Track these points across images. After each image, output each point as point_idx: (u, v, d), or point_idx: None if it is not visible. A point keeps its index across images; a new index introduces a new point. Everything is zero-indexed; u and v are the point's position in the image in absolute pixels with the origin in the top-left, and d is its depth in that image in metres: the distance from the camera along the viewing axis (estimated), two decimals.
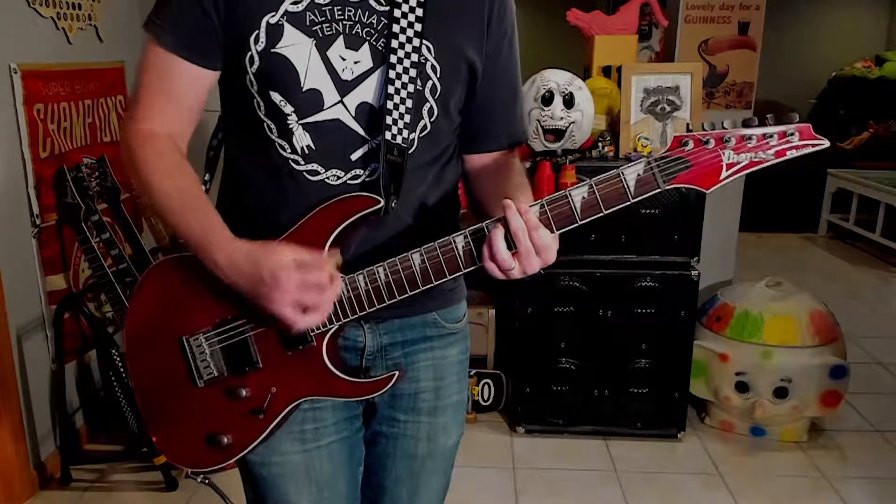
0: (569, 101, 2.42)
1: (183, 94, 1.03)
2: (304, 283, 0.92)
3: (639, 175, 0.90)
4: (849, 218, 5.52)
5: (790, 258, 5.29)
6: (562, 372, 2.66)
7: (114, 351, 2.42)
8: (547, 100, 2.42)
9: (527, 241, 0.89)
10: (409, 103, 1.00)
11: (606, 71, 2.76)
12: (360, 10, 0.99)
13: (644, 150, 2.51)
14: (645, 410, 2.69)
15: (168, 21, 1.00)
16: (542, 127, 2.44)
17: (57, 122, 2.45)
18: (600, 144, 2.55)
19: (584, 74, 2.81)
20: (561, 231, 0.93)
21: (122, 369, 2.40)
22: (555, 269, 2.56)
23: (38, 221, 2.39)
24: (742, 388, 2.65)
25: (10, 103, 2.25)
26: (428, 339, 1.16)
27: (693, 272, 2.55)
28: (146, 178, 1.01)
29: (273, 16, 0.97)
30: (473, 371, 2.88)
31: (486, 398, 2.89)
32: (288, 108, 1.00)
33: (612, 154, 2.54)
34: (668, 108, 2.53)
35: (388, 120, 1.00)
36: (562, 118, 2.42)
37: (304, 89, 0.99)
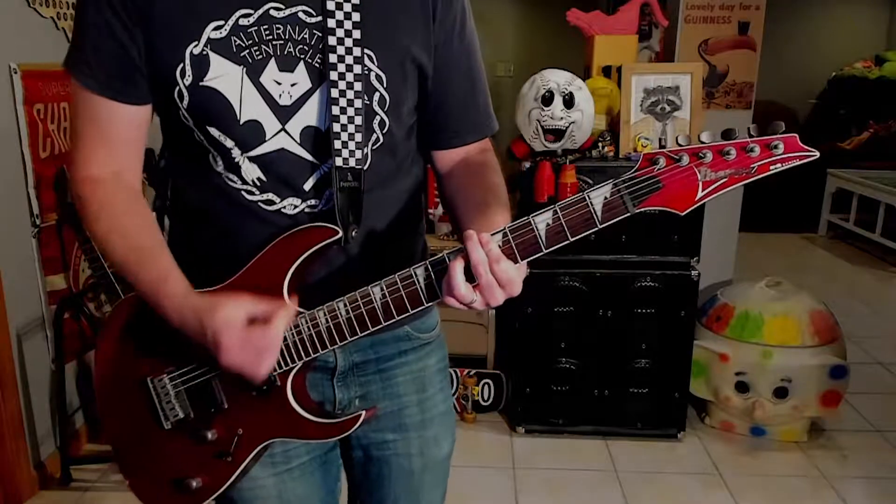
0: (569, 101, 2.42)
1: (119, 133, 0.97)
2: (248, 343, 0.88)
3: (606, 199, 0.84)
4: (849, 218, 5.52)
5: (790, 258, 5.29)
6: (562, 372, 2.66)
7: None
8: (547, 100, 2.42)
9: (488, 276, 0.83)
10: (357, 121, 0.93)
11: (606, 71, 2.76)
12: (289, 27, 0.91)
13: (644, 150, 2.51)
14: (645, 410, 2.69)
15: (83, 58, 0.92)
16: (542, 127, 2.44)
17: (57, 122, 2.45)
18: (600, 144, 2.55)
19: (584, 74, 2.81)
20: (527, 259, 0.87)
21: None
22: (555, 269, 2.56)
23: (38, 221, 2.39)
24: (742, 388, 2.65)
25: (10, 103, 2.26)
26: (403, 353, 1.11)
27: (693, 272, 2.55)
28: (93, 228, 0.97)
29: (196, 45, 0.89)
30: (473, 371, 2.88)
31: (486, 398, 2.89)
32: (229, 143, 0.94)
33: (612, 154, 2.54)
34: (668, 108, 2.53)
35: (337, 144, 0.93)
36: (562, 118, 2.42)
37: (241, 122, 0.92)
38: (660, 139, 2.53)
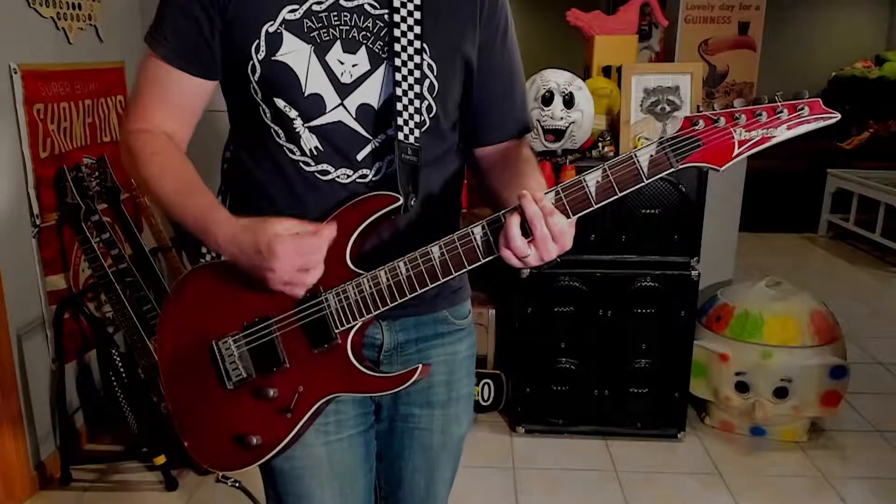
0: (569, 101, 2.42)
1: (178, 101, 1.07)
2: (299, 249, 0.95)
3: (651, 156, 0.91)
4: (849, 218, 5.52)
5: (790, 258, 5.29)
6: (562, 372, 2.66)
7: (114, 351, 2.43)
8: (547, 100, 2.42)
9: (543, 228, 0.90)
10: (416, 103, 1.04)
11: (606, 71, 2.76)
12: (355, 15, 1.02)
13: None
14: (645, 410, 2.69)
15: (163, 33, 1.04)
16: (542, 127, 2.44)
17: (57, 122, 2.45)
18: (600, 144, 2.55)
19: (584, 74, 2.81)
20: (577, 216, 0.94)
21: (121, 369, 2.40)
22: (555, 269, 2.56)
23: (38, 221, 2.39)
24: (742, 388, 2.65)
25: (10, 103, 2.25)
26: (440, 335, 1.19)
27: (693, 272, 2.55)
28: (144, 170, 1.04)
29: (272, 24, 1.00)
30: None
31: (486, 398, 2.89)
32: (293, 113, 1.04)
33: (612, 154, 2.54)
34: (668, 108, 2.53)
35: (399, 120, 1.03)
36: (562, 118, 2.42)
37: (305, 94, 1.02)
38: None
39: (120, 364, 2.40)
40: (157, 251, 2.82)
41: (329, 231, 0.97)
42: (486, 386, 2.89)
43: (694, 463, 2.60)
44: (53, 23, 2.46)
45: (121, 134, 1.08)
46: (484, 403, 2.89)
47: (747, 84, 3.08)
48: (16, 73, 2.25)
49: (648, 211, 2.49)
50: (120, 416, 2.43)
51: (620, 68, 2.58)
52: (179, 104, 1.08)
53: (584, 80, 2.56)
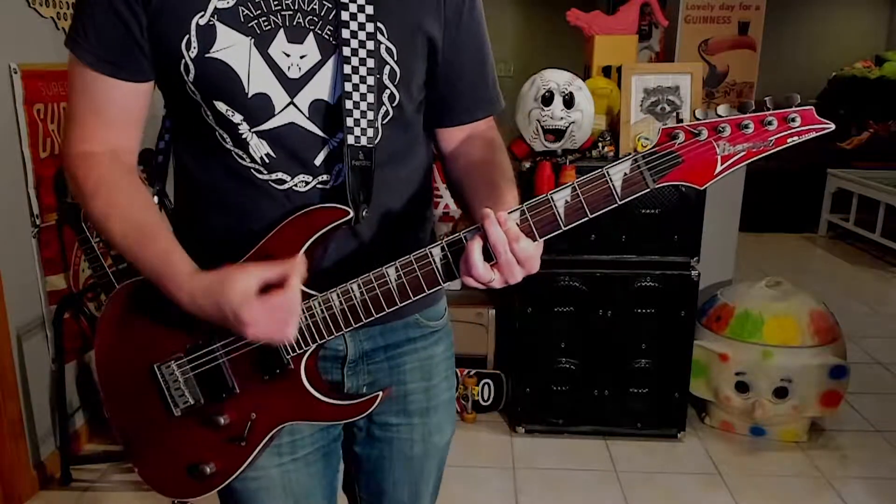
0: (569, 101, 2.42)
1: (115, 111, 0.95)
2: (270, 311, 0.87)
3: (625, 174, 0.83)
4: (849, 218, 5.52)
5: (790, 258, 5.29)
6: (562, 372, 2.66)
7: None
8: (547, 100, 2.42)
9: (507, 255, 0.83)
10: (370, 97, 0.92)
11: (606, 71, 2.76)
12: None
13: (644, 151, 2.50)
14: (645, 410, 2.69)
15: (86, 36, 0.91)
16: (542, 127, 2.44)
17: (57, 122, 2.45)
18: (600, 144, 2.55)
19: (584, 74, 2.81)
20: (545, 238, 0.86)
21: None
22: (555, 269, 2.56)
23: (38, 221, 2.39)
24: (742, 388, 2.65)
25: (10, 103, 2.25)
26: (411, 339, 1.11)
27: (693, 272, 2.55)
28: (89, 206, 0.94)
29: (202, 16, 0.87)
30: (473, 371, 2.88)
31: (486, 398, 2.89)
32: (237, 118, 0.92)
33: (612, 154, 2.54)
34: (668, 108, 2.53)
35: (349, 121, 0.92)
36: (562, 118, 2.42)
37: (249, 95, 0.90)
38: None
39: None
40: None
41: (297, 279, 0.88)
42: (486, 386, 2.88)
43: (694, 463, 2.60)
44: (53, 23, 2.46)
45: (62, 157, 0.97)
46: (484, 403, 2.89)
47: (747, 84, 3.09)
48: (16, 73, 2.25)
49: (648, 211, 2.49)
50: None
51: (620, 68, 2.58)
52: (117, 114, 0.95)
53: (584, 80, 2.56)
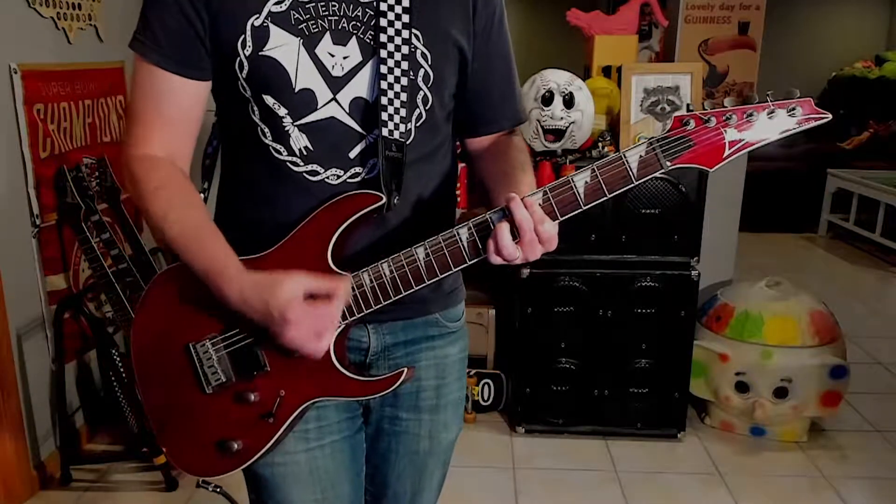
0: (569, 101, 2.42)
1: (177, 110, 1.02)
2: (313, 318, 0.92)
3: (641, 157, 0.90)
4: (849, 218, 5.52)
5: (790, 258, 5.28)
6: (562, 372, 2.66)
7: (114, 351, 2.42)
8: (547, 100, 2.42)
9: (531, 234, 0.90)
10: (403, 97, 1.00)
11: (606, 71, 2.76)
12: (344, 4, 0.98)
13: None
14: (645, 410, 2.69)
15: (152, 36, 0.98)
16: (542, 127, 2.44)
17: (57, 122, 2.45)
18: (600, 144, 2.55)
19: (584, 74, 2.81)
20: (565, 218, 0.93)
21: (121, 369, 2.40)
22: (555, 269, 2.56)
23: (38, 221, 2.39)
24: (742, 388, 2.65)
25: (10, 103, 2.25)
26: (430, 338, 1.16)
27: (693, 272, 2.55)
28: (148, 205, 1.00)
29: (257, 18, 0.96)
30: (473, 371, 2.88)
31: (486, 398, 2.89)
32: (282, 111, 0.99)
33: (612, 154, 2.54)
34: (668, 108, 2.53)
35: (384, 115, 0.99)
36: (562, 118, 2.42)
37: (296, 90, 0.98)
38: None
39: (120, 364, 2.40)
40: (157, 251, 2.82)
41: (344, 294, 0.94)
42: (486, 386, 2.89)
43: (694, 463, 2.60)
44: (53, 23, 2.46)
45: (123, 157, 1.03)
46: (484, 403, 2.89)
47: (747, 84, 3.08)
48: (16, 73, 2.25)
49: (648, 211, 2.49)
50: (120, 416, 2.44)
51: (620, 68, 2.58)
52: (180, 116, 1.02)
53: (584, 80, 2.56)
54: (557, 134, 2.45)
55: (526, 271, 2.55)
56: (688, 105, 0.95)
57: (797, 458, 2.62)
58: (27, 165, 2.33)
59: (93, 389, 2.74)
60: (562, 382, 2.68)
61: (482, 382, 2.88)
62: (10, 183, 2.29)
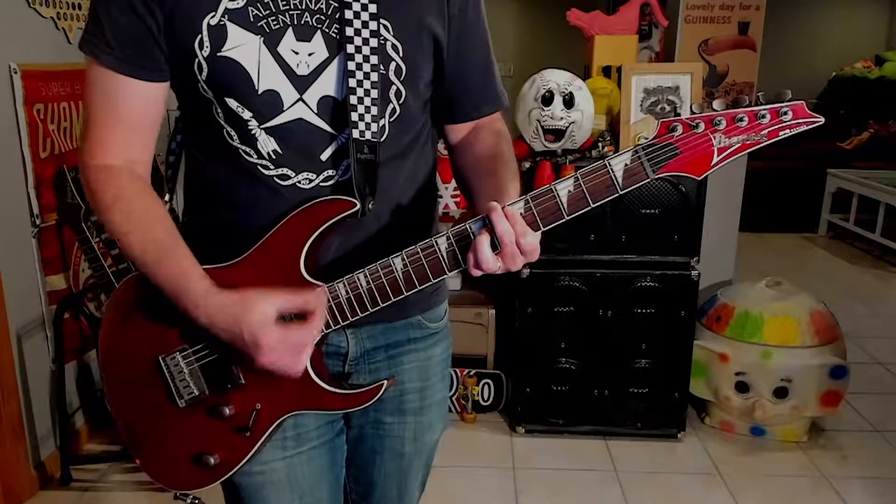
0: (569, 101, 2.42)
1: (135, 115, 0.96)
2: (286, 343, 0.89)
3: (626, 165, 0.86)
4: (849, 218, 5.52)
5: (790, 258, 5.29)
6: (562, 372, 2.66)
7: None
8: (547, 100, 2.42)
9: (513, 247, 0.86)
10: (374, 93, 0.94)
11: (606, 71, 2.76)
12: None
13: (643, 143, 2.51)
14: (645, 410, 2.69)
15: (104, 38, 0.91)
16: (542, 127, 2.44)
17: (57, 122, 2.45)
18: (600, 144, 2.55)
19: (584, 74, 2.81)
20: (547, 228, 0.89)
21: None
22: (555, 269, 2.56)
23: (38, 221, 2.39)
24: (742, 388, 2.65)
25: (10, 103, 2.25)
26: (412, 340, 1.13)
27: (693, 272, 2.55)
28: (107, 217, 0.96)
29: (213, 16, 0.90)
30: (473, 371, 2.88)
31: (486, 398, 2.89)
32: (246, 114, 0.94)
33: (611, 154, 2.54)
34: (668, 108, 2.53)
35: (354, 116, 0.93)
36: (562, 118, 2.42)
37: (259, 92, 0.92)
38: None
39: None
40: None
41: (321, 314, 0.91)
42: (485, 386, 2.88)
43: (694, 463, 2.60)
44: (53, 23, 2.46)
45: (80, 166, 0.97)
46: (484, 403, 2.89)
47: (747, 84, 3.08)
48: (16, 73, 2.25)
49: (648, 211, 2.49)
50: None
51: (620, 68, 2.58)
52: (138, 120, 0.96)
53: (584, 80, 2.56)
54: (557, 134, 2.45)
55: (526, 271, 2.55)
56: (675, 108, 0.94)
57: (797, 458, 2.62)
58: (27, 165, 2.33)
59: (93, 389, 2.74)
60: (562, 382, 2.68)
61: (482, 382, 2.88)
62: (10, 183, 2.29)
